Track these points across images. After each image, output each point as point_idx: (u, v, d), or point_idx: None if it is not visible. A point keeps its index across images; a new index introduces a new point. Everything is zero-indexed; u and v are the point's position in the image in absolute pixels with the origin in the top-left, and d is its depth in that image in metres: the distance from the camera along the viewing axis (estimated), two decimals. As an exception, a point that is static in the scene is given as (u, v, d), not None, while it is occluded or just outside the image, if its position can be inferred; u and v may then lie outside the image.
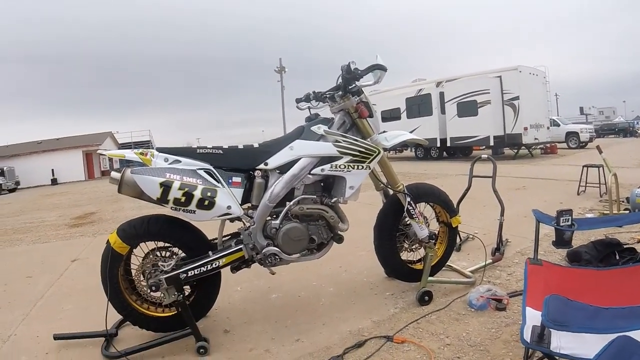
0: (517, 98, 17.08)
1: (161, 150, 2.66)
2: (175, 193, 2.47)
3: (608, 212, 5.76)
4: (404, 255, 3.48)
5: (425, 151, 22.17)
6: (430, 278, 3.24)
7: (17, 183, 28.80)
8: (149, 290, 2.67)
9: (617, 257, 3.55)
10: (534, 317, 1.93)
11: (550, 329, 1.79)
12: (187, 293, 2.82)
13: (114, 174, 2.62)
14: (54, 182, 31.79)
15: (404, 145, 21.91)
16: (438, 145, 20.44)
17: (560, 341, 1.77)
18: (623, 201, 6.22)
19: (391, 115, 22.19)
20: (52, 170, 32.16)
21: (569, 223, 2.51)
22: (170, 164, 2.59)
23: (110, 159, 33.28)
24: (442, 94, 19.80)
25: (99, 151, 3.02)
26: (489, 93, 17.49)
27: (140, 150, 2.62)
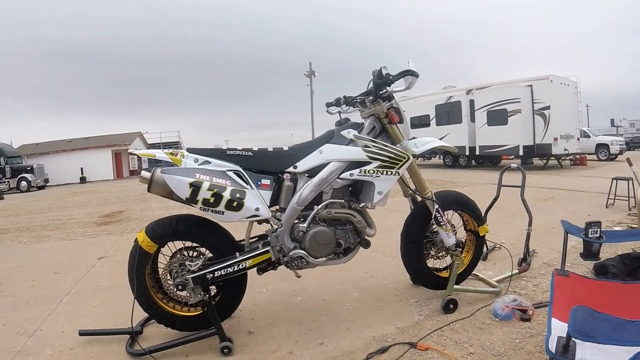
0: (547, 108, 16.81)
1: (191, 150, 2.68)
2: (204, 193, 2.49)
3: (636, 225, 5.66)
4: (430, 263, 3.45)
5: (454, 159, 21.94)
6: (455, 286, 3.22)
7: (47, 180, 29.32)
8: (175, 289, 2.72)
9: (645, 271, 3.49)
10: (559, 328, 1.91)
11: (576, 340, 1.77)
12: (213, 293, 2.84)
13: (144, 173, 2.65)
14: (83, 180, 32.32)
15: (432, 153, 21.86)
16: (467, 153, 20.21)
17: (584, 353, 1.76)
18: (652, 215, 6.08)
19: (420, 122, 22.11)
20: (82, 168, 32.71)
21: (598, 235, 2.49)
22: (200, 164, 2.61)
23: (139, 159, 33.79)
24: (472, 102, 19.64)
25: (129, 150, 3.07)
26: (519, 102, 17.27)
27: (171, 151, 2.66)
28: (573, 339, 1.75)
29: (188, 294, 2.69)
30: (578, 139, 18.71)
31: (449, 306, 3.12)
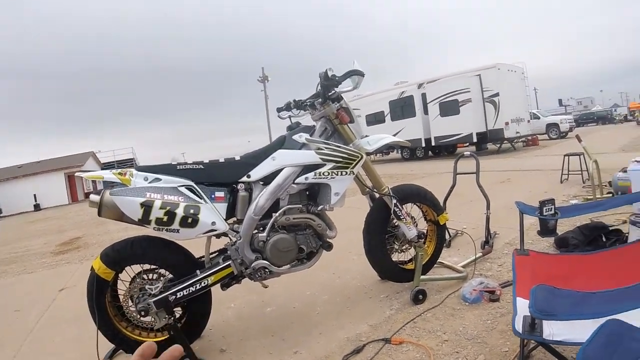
0: (497, 95, 17.47)
1: (140, 169, 2.60)
2: (156, 213, 2.41)
3: (591, 197, 5.89)
4: (395, 257, 3.48)
5: (412, 152, 22.46)
6: (422, 277, 3.25)
7: (-1, 211, 28.43)
8: (138, 316, 2.61)
9: (604, 240, 3.63)
10: (524, 307, 1.93)
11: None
12: (178, 315, 2.76)
13: (93, 197, 2.54)
14: (37, 207, 31.27)
15: (390, 148, 22.20)
16: (423, 145, 20.76)
17: (552, 329, 1.78)
18: (605, 185, 6.38)
19: (375, 119, 22.59)
20: (35, 195, 31.65)
21: (552, 212, 2.55)
22: (150, 182, 2.53)
23: (94, 181, 32.98)
24: (424, 95, 20.13)
25: (77, 173, 2.94)
26: (469, 92, 17.87)
27: (119, 170, 2.56)
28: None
29: (152, 319, 2.60)
30: (528, 121, 19.48)
31: (419, 297, 3.14)
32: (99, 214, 2.53)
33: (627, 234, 3.45)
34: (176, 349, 0.64)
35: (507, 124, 17.50)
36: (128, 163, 36.40)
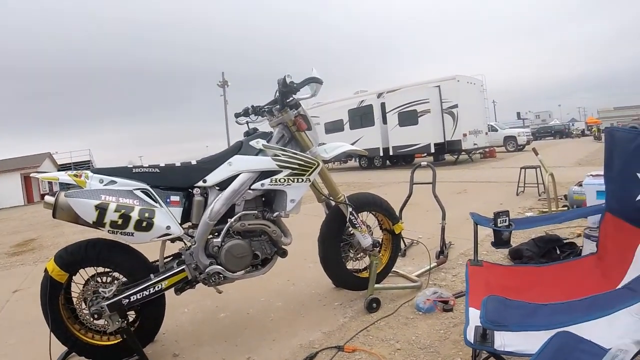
0: (455, 106, 17.81)
1: (96, 171, 2.57)
2: (111, 215, 2.39)
3: (547, 210, 6.02)
4: (350, 265, 3.51)
5: (369, 161, 22.62)
6: (377, 285, 3.27)
7: (-50, 211, 27.41)
8: (91, 319, 2.57)
9: (558, 252, 3.71)
10: (476, 317, 1.95)
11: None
12: (131, 319, 2.73)
13: (47, 198, 2.51)
14: (-9, 208, 30.34)
15: (348, 156, 22.30)
16: (381, 154, 20.99)
17: (504, 339, 1.80)
18: (561, 199, 6.53)
19: (334, 127, 22.71)
20: (-11, 195, 30.69)
21: (507, 223, 2.58)
22: (105, 185, 2.51)
23: (50, 182, 32.15)
24: (383, 105, 20.37)
25: (32, 174, 2.89)
26: (428, 102, 18.16)
27: (74, 172, 2.53)
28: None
29: (106, 322, 2.56)
30: (486, 133, 19.92)
31: (372, 305, 3.16)
32: (54, 216, 2.50)
33: (581, 247, 3.53)
34: None
35: (465, 135, 17.86)
36: (85, 165, 35.65)
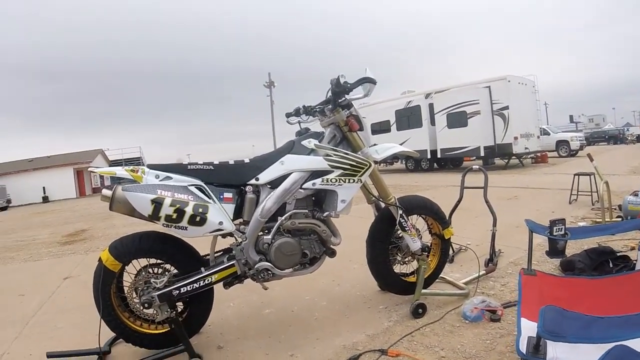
0: (506, 108, 17.20)
1: (152, 166, 2.65)
2: (166, 210, 2.46)
3: (600, 220, 5.77)
4: (397, 268, 3.47)
5: (416, 163, 22.24)
6: (423, 290, 3.24)
7: (9, 201, 28.65)
8: (141, 308, 2.65)
9: (611, 265, 3.56)
10: (529, 328, 1.92)
11: (546, 340, 1.78)
12: (179, 309, 2.80)
13: (105, 192, 2.59)
14: (45, 200, 31.69)
15: (394, 158, 22.05)
16: (428, 156, 20.49)
17: (556, 351, 1.76)
18: (615, 209, 6.22)
19: (381, 128, 22.32)
20: (44, 188, 32.10)
21: (562, 232, 2.51)
22: (161, 180, 2.58)
23: (101, 176, 33.20)
24: (431, 106, 19.91)
25: (89, 169, 3.01)
26: (478, 103, 17.62)
27: (131, 167, 2.61)
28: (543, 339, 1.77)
29: (155, 312, 2.64)
30: (538, 137, 19.22)
31: (418, 311, 3.12)
32: (110, 208, 2.58)
33: (635, 261, 3.37)
34: None
35: (516, 138, 17.26)
36: (135, 161, 36.66)
